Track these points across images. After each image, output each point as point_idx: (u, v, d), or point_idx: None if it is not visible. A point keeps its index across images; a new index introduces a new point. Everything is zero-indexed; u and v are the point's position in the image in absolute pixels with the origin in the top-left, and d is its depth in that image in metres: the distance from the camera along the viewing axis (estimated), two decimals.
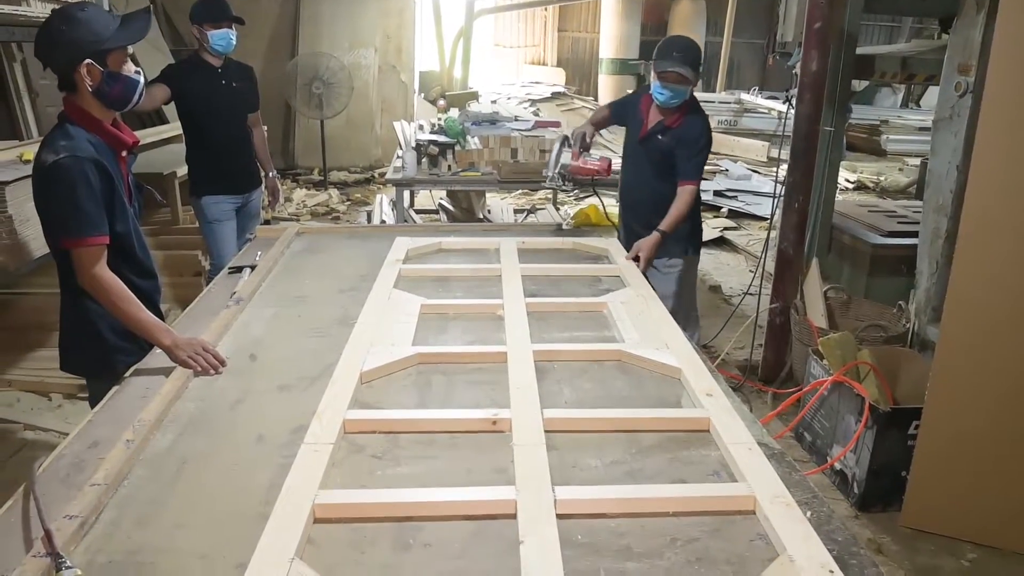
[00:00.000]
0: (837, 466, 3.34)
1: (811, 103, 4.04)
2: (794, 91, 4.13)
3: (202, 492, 1.54)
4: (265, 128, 4.67)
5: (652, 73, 3.52)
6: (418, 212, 7.11)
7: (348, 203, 8.64)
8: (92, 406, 2.53)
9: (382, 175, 10.18)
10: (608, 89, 14.81)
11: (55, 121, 2.15)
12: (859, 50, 4.74)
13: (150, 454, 1.68)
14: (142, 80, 2.24)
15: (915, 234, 4.56)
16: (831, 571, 1.29)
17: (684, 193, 3.47)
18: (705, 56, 14.72)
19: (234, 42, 4.09)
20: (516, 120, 5.69)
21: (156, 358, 2.16)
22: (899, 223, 4.97)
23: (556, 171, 3.50)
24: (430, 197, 7.95)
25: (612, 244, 3.39)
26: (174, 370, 2.04)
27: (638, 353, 2.18)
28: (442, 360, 2.15)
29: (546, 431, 1.72)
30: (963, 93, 3.59)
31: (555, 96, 14.86)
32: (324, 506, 1.43)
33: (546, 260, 3.14)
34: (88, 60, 2.07)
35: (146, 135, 6.46)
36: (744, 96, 13.30)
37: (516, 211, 7.71)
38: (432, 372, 2.10)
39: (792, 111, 6.81)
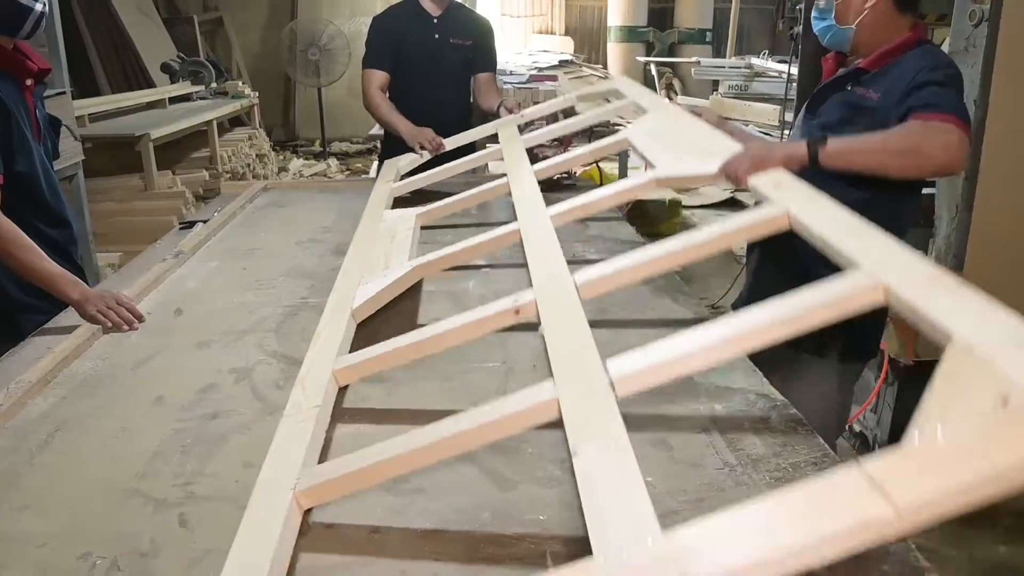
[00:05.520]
0: (856, 428, 3.04)
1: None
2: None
3: (68, 465, 1.26)
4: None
5: None
6: None
7: (347, 172, 8.35)
8: None
9: None
10: (617, 58, 14.41)
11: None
12: None
13: (21, 420, 1.40)
14: (38, 7, 1.94)
15: (931, 184, 4.28)
16: None
17: (916, 126, 1.74)
18: (715, 22, 14.39)
19: None
20: (510, 74, 5.36)
21: (69, 316, 1.89)
22: None
23: None
24: None
25: (620, 82, 2.92)
26: (79, 327, 1.77)
27: (675, 174, 1.72)
28: (446, 264, 1.79)
29: (583, 300, 1.32)
30: (978, 22, 3.30)
31: (562, 64, 14.41)
32: (309, 492, 1.09)
33: (551, 122, 2.79)
34: None
35: (125, 99, 6.24)
36: (755, 61, 12.85)
37: None
38: (439, 282, 1.82)
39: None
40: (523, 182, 2.08)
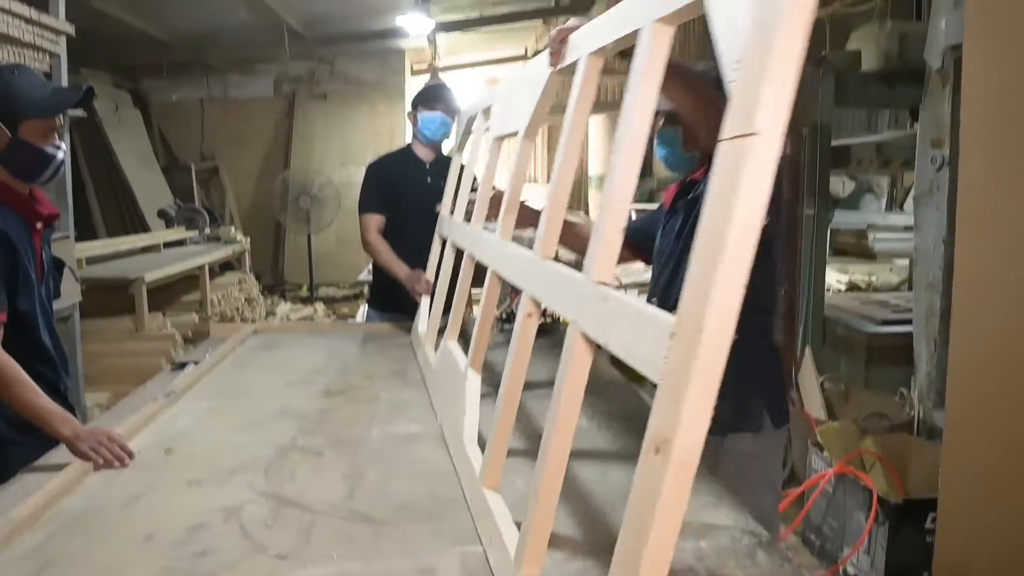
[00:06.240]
0: (851, 571, 3.00)
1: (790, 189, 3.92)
2: None
3: None
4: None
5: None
6: None
7: (333, 317, 8.46)
8: None
9: None
10: (598, 205, 14.91)
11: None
12: (835, 142, 4.76)
13: (9, 557, 1.39)
14: (60, 155, 2.07)
15: (911, 321, 4.42)
16: None
17: None
18: None
19: (447, 131, 3.47)
20: None
21: (59, 453, 1.90)
22: (893, 312, 4.87)
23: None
24: None
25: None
26: (70, 464, 1.78)
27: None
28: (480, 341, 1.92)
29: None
30: (940, 166, 3.55)
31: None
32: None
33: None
34: None
35: (122, 242, 6.39)
36: None
37: None
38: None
39: None
40: (473, 237, 2.33)
